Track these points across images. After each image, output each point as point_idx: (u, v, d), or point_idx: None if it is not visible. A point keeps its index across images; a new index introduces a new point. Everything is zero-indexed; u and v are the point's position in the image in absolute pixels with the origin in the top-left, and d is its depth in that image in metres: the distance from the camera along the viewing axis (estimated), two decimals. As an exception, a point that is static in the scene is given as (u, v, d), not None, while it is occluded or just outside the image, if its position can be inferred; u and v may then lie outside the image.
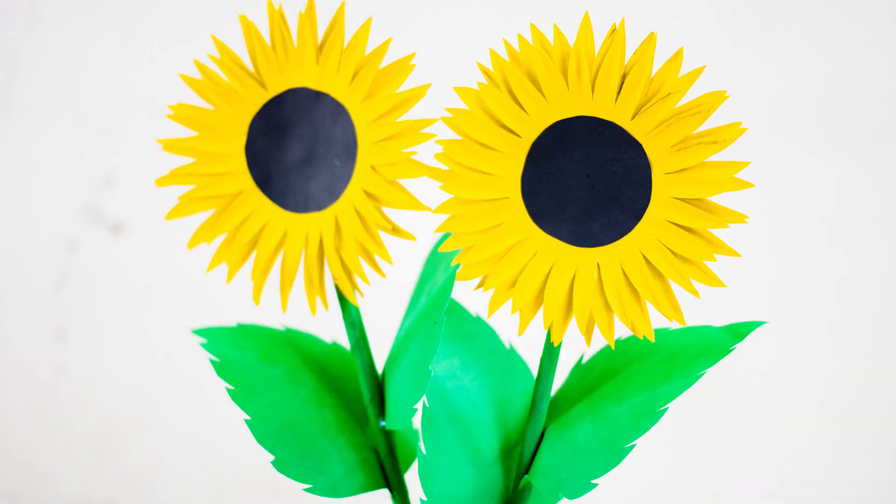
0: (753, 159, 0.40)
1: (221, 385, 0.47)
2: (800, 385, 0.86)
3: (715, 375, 0.66)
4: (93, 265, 0.88)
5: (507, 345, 0.48)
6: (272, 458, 0.45)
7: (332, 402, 0.48)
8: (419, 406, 0.44)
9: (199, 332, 0.48)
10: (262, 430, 0.46)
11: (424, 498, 0.44)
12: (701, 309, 0.47)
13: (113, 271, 0.88)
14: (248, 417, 0.46)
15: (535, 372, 0.46)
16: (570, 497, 0.43)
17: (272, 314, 0.50)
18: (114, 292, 0.88)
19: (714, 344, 0.44)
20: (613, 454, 0.43)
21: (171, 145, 0.45)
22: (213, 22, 0.82)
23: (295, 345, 0.50)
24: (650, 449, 0.67)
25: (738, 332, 0.44)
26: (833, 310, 0.86)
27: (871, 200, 0.86)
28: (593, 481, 0.43)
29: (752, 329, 0.44)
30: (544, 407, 0.44)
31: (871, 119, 0.86)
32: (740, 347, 0.44)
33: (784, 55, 0.87)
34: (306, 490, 0.45)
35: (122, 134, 0.90)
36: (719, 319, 0.46)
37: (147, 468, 0.87)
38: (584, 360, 0.47)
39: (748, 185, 0.38)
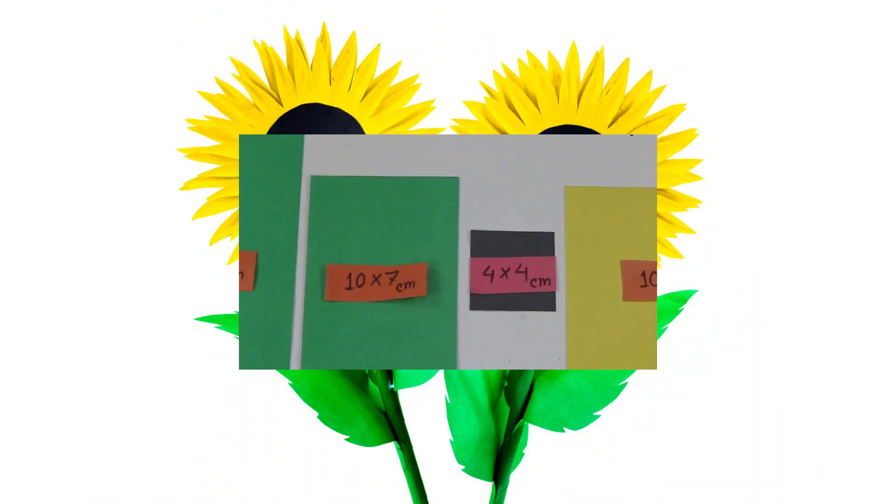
0: (755, 159, 0.44)
1: (220, 385, 0.49)
2: (801, 385, 0.86)
3: (716, 375, 0.67)
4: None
5: None
6: (316, 414, 0.52)
7: (340, 372, 0.55)
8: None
9: (204, 319, 0.53)
10: (304, 391, 0.52)
11: (452, 439, 0.54)
12: (701, 308, 0.49)
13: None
14: (290, 382, 0.52)
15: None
16: (574, 428, 0.51)
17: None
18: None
19: (664, 308, 0.53)
20: (608, 391, 0.51)
21: (195, 153, 0.49)
22: (223, 42, 0.83)
23: None
24: (651, 448, 0.67)
25: (680, 297, 0.53)
26: (833, 310, 0.86)
27: (871, 200, 0.86)
28: (595, 413, 0.51)
29: (690, 296, 0.53)
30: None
31: (872, 119, 0.86)
32: (741, 348, 0.48)
33: (783, 55, 0.87)
34: (347, 440, 0.52)
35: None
36: (721, 318, 0.50)
37: (146, 468, 0.87)
38: None
39: (698, 178, 0.46)
